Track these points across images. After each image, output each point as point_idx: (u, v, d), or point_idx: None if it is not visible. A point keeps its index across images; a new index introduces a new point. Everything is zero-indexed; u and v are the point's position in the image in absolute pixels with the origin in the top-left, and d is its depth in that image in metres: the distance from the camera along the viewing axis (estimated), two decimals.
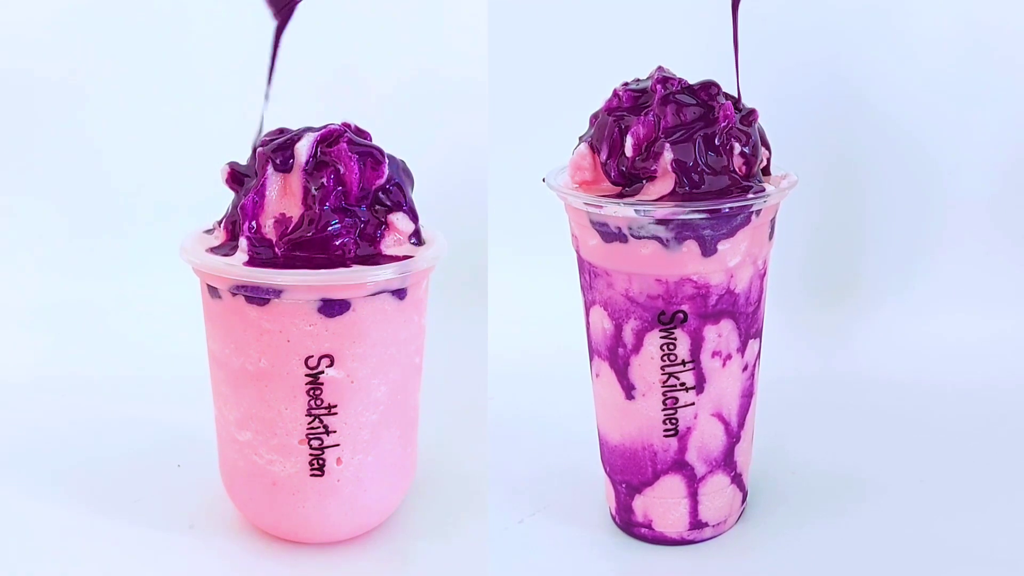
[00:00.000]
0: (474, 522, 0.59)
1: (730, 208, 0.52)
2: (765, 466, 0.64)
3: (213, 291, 0.54)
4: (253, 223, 0.52)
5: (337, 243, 0.52)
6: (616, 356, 0.56)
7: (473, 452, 0.67)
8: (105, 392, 0.75)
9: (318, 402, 0.53)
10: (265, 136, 0.55)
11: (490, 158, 0.82)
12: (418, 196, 0.56)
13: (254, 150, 0.55)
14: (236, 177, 0.55)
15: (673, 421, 0.56)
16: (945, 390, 0.75)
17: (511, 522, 0.60)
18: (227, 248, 0.54)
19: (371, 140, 0.55)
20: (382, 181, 0.53)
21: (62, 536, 0.58)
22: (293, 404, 0.53)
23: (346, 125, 0.55)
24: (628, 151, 0.53)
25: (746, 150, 0.54)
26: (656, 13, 0.82)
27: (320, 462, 0.54)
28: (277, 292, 0.52)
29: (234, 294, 0.53)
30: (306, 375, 0.53)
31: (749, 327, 0.56)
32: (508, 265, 0.83)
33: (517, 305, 0.82)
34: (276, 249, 0.52)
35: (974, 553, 0.57)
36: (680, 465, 0.57)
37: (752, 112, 0.55)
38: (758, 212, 0.54)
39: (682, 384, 0.55)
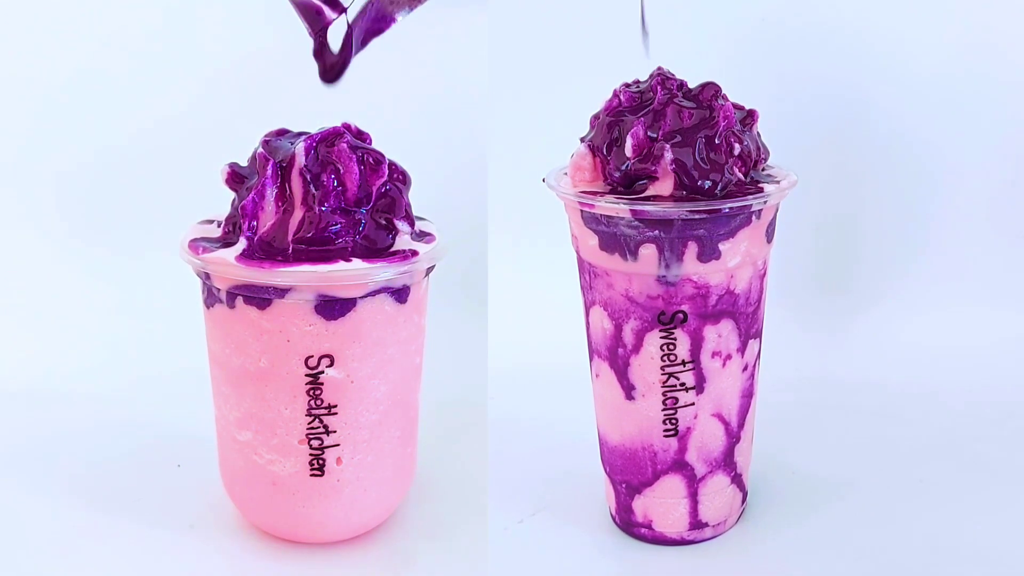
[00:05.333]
0: (474, 522, 0.59)
1: (730, 208, 0.52)
2: (765, 466, 0.64)
3: (213, 291, 0.54)
4: (253, 223, 0.52)
5: (338, 243, 0.52)
6: (616, 356, 0.56)
7: (473, 452, 0.67)
8: (105, 392, 0.75)
9: (318, 402, 0.53)
10: (265, 136, 0.55)
11: (490, 158, 0.82)
12: (418, 196, 0.56)
13: (253, 155, 0.55)
14: (236, 177, 0.55)
15: (673, 421, 0.56)
16: (945, 391, 0.75)
17: (511, 522, 0.60)
18: (226, 248, 0.54)
19: (371, 143, 0.55)
20: (382, 182, 0.53)
21: (63, 536, 0.58)
22: (293, 404, 0.53)
23: (346, 126, 0.55)
24: (628, 152, 0.53)
25: (745, 151, 0.54)
26: (656, 13, 0.82)
27: (320, 462, 0.54)
28: (279, 292, 0.52)
29: (233, 294, 0.53)
30: (306, 375, 0.53)
31: (749, 327, 0.56)
32: (508, 265, 0.83)
33: (517, 305, 0.82)
34: (276, 249, 0.52)
35: (973, 553, 0.56)
36: (680, 465, 0.57)
37: (752, 113, 0.55)
38: (758, 213, 0.54)
39: (682, 384, 0.55)
